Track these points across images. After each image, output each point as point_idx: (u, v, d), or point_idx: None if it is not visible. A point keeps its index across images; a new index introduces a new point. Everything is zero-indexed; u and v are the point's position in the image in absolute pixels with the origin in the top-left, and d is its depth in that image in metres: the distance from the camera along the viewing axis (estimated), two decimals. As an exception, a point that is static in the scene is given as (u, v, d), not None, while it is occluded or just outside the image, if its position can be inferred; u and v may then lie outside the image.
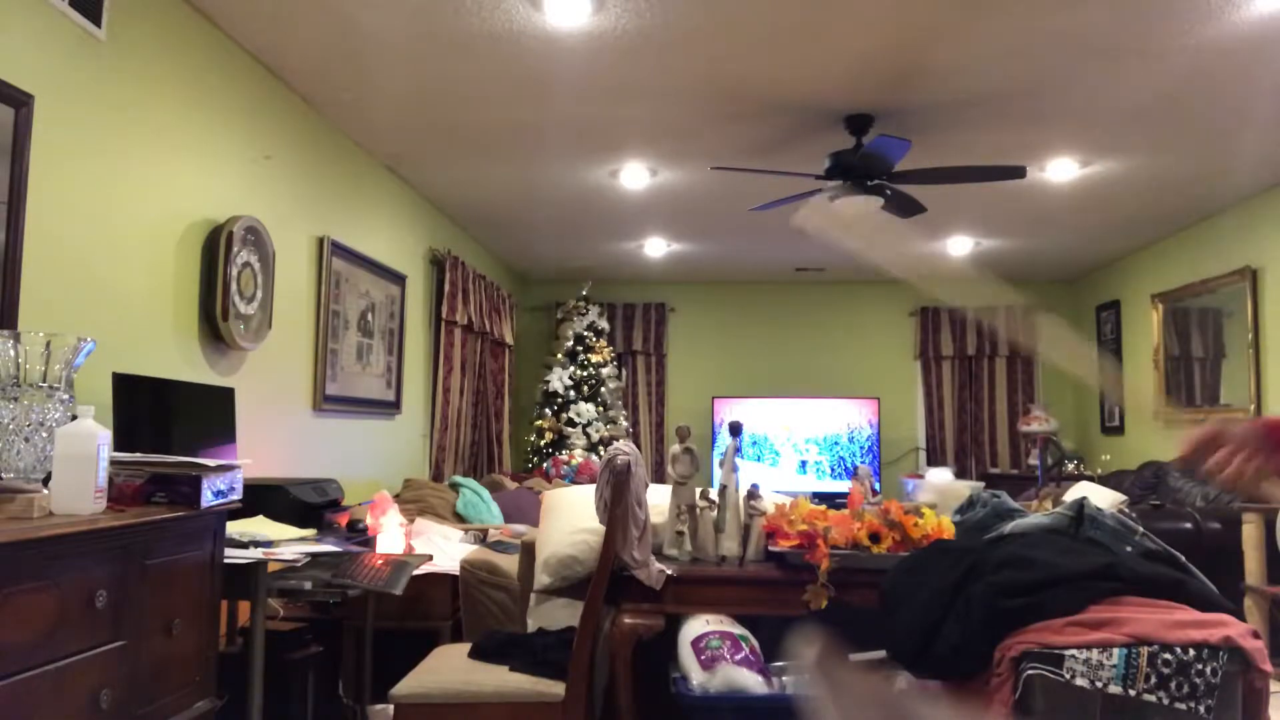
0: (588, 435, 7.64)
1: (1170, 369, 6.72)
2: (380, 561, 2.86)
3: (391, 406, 5.32)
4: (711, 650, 2.68)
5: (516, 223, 6.57)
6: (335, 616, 3.44)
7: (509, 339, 7.52)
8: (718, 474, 3.09)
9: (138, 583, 1.96)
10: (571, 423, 7.66)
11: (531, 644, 2.77)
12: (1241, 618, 2.16)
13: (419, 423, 5.86)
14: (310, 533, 2.89)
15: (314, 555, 2.66)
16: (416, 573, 3.09)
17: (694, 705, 2.58)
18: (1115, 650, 1.92)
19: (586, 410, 7.67)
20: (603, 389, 7.83)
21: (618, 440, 3.04)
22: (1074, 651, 1.93)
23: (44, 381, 1.89)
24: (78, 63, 2.72)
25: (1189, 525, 4.36)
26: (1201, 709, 1.88)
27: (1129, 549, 2.26)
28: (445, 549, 4.00)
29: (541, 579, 2.94)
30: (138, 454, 2.24)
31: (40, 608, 1.67)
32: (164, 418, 2.85)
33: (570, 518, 2.98)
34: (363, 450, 4.93)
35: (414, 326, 5.71)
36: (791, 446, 8.27)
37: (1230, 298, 5.88)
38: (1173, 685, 1.89)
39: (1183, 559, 2.25)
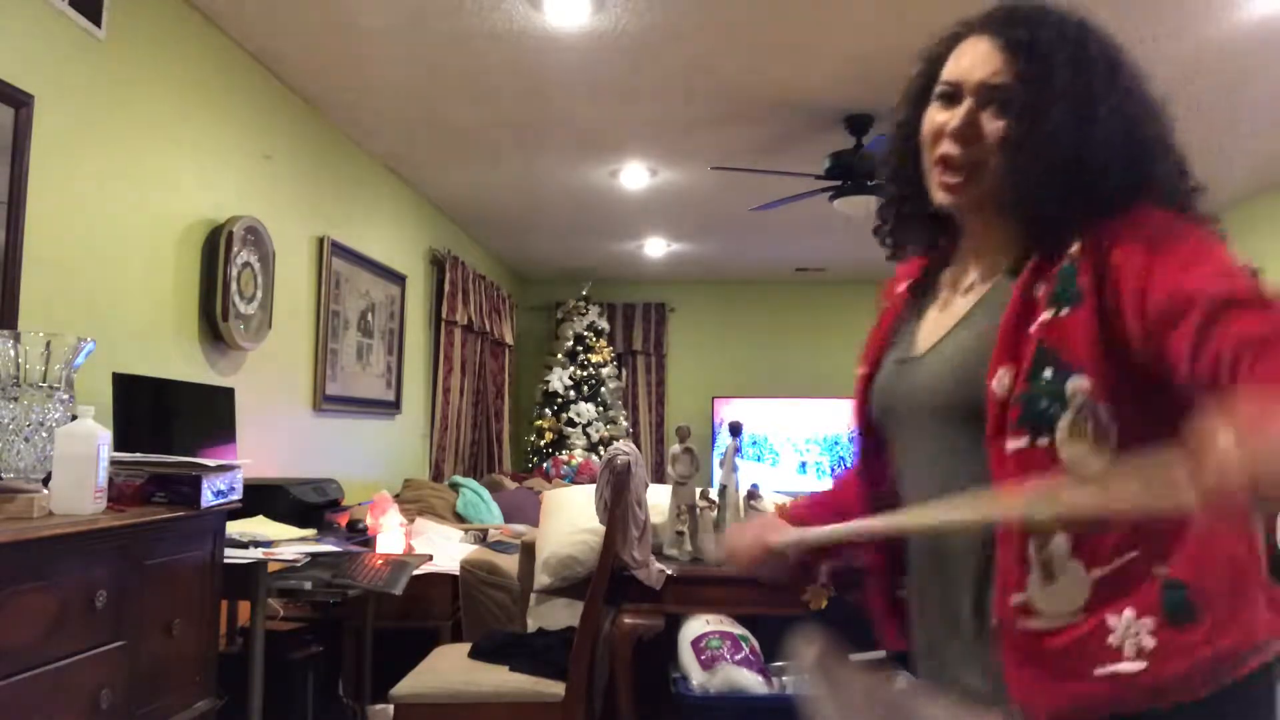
0: (588, 435, 7.64)
1: (1170, 369, 6.71)
2: (380, 561, 2.86)
3: (391, 406, 5.32)
4: (711, 650, 2.68)
5: (516, 223, 6.56)
6: (335, 616, 3.44)
7: (509, 339, 7.52)
8: (718, 474, 3.09)
9: (138, 583, 1.96)
10: (571, 423, 7.66)
11: (531, 644, 2.78)
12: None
13: (419, 423, 5.86)
14: (310, 533, 2.89)
15: (314, 555, 2.66)
16: (416, 573, 3.09)
17: (694, 705, 2.58)
18: (1115, 650, 1.92)
19: (586, 410, 7.67)
20: (603, 389, 7.83)
21: (618, 440, 3.04)
22: (1074, 651, 1.93)
23: (44, 381, 1.89)
24: (78, 63, 2.72)
25: (1189, 525, 4.35)
26: (1201, 709, 1.88)
27: (1129, 549, 2.26)
28: (445, 549, 4.00)
29: (541, 579, 2.94)
30: (138, 454, 2.24)
31: (40, 608, 1.67)
32: (164, 418, 2.85)
33: (570, 518, 2.98)
34: (363, 450, 4.93)
35: (414, 326, 5.71)
36: (791, 446, 8.27)
37: (1230, 298, 5.87)
38: (1173, 685, 1.89)
39: (1183, 559, 2.25)
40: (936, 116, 1.19)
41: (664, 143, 4.78)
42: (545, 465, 7.31)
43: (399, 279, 5.37)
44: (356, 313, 4.80)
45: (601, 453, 7.35)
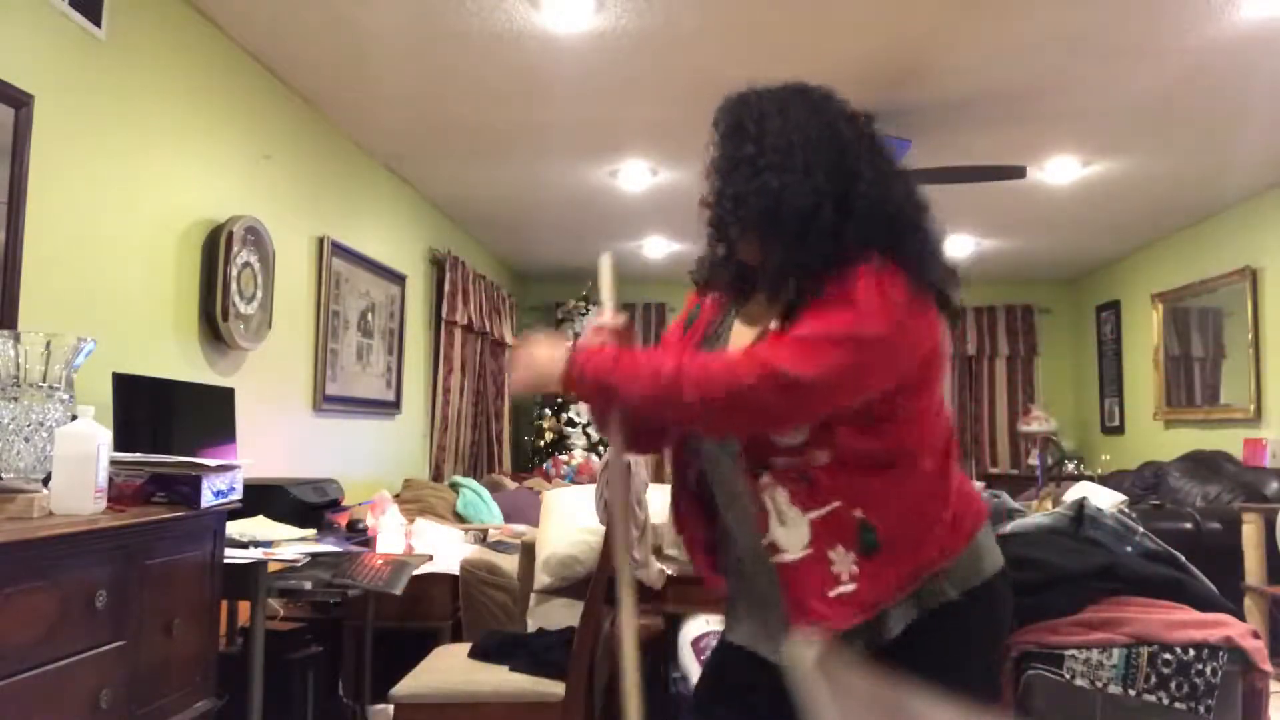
0: (588, 435, 7.64)
1: (1170, 369, 6.71)
2: (380, 561, 2.86)
3: (391, 406, 5.32)
4: (711, 650, 2.68)
5: (516, 223, 6.56)
6: (335, 616, 3.44)
7: (509, 339, 7.52)
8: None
9: (138, 583, 1.96)
10: (571, 423, 7.66)
11: (531, 644, 2.77)
12: (1241, 618, 2.16)
13: (419, 423, 5.86)
14: (310, 533, 2.89)
15: (314, 555, 2.66)
16: (416, 573, 3.09)
17: (694, 705, 2.57)
18: (1115, 650, 1.92)
19: (587, 410, 7.65)
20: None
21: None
22: (1074, 651, 1.93)
23: (44, 381, 1.89)
24: (78, 63, 2.72)
25: (1189, 525, 4.36)
26: (1201, 709, 1.88)
27: (1129, 549, 2.26)
28: (445, 549, 4.00)
29: (541, 579, 2.95)
30: (138, 454, 2.24)
31: (40, 608, 1.67)
32: (164, 418, 2.84)
33: (570, 518, 2.98)
34: (363, 450, 4.93)
35: (414, 326, 5.71)
36: (791, 446, 8.25)
37: (1230, 298, 5.88)
38: (1173, 685, 1.89)
39: (1183, 559, 2.25)
40: None
41: (664, 143, 4.78)
42: (545, 465, 7.31)
43: (399, 279, 5.37)
44: (356, 313, 4.80)
45: (601, 453, 7.35)
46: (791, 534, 1.34)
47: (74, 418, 1.91)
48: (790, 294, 1.39)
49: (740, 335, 1.49)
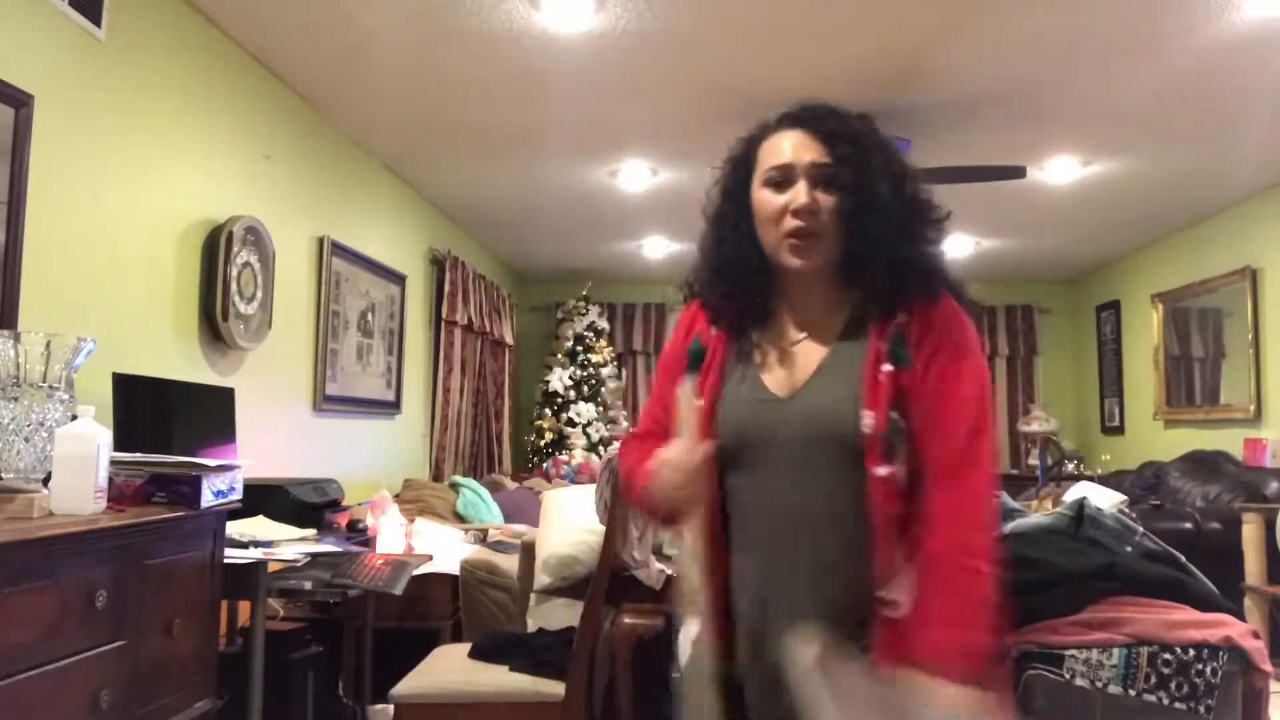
0: (588, 435, 7.64)
1: (1170, 369, 6.71)
2: (380, 561, 2.86)
3: (391, 406, 5.32)
4: (711, 650, 2.68)
5: (516, 223, 6.56)
6: (335, 616, 3.44)
7: (509, 339, 7.52)
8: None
9: (138, 583, 1.96)
10: (571, 423, 7.65)
11: (531, 644, 2.78)
12: (1241, 618, 2.16)
13: (419, 423, 5.86)
14: (310, 533, 2.89)
15: (314, 555, 2.66)
16: (416, 573, 3.09)
17: (694, 705, 2.57)
18: (1115, 650, 1.91)
19: (586, 410, 7.67)
20: (602, 389, 7.82)
21: (618, 440, 3.04)
22: (1074, 651, 1.93)
23: (44, 381, 1.89)
24: (78, 63, 2.72)
25: (1189, 525, 4.36)
26: (1201, 709, 1.88)
27: (1129, 549, 2.26)
28: (445, 549, 4.00)
29: (541, 579, 2.95)
30: (138, 454, 2.24)
31: (40, 608, 1.67)
32: (164, 418, 2.84)
33: (570, 518, 2.98)
34: (363, 450, 4.93)
35: (414, 326, 5.71)
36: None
37: (1230, 298, 5.87)
38: (1173, 685, 1.89)
39: (1183, 559, 2.25)
40: (774, 199, 1.39)
41: (664, 143, 4.77)
42: (545, 465, 7.30)
43: (399, 279, 5.37)
44: (356, 313, 4.80)
45: (601, 453, 7.35)
46: (904, 588, 1.29)
47: (74, 418, 1.91)
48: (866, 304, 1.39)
49: (783, 370, 1.41)
